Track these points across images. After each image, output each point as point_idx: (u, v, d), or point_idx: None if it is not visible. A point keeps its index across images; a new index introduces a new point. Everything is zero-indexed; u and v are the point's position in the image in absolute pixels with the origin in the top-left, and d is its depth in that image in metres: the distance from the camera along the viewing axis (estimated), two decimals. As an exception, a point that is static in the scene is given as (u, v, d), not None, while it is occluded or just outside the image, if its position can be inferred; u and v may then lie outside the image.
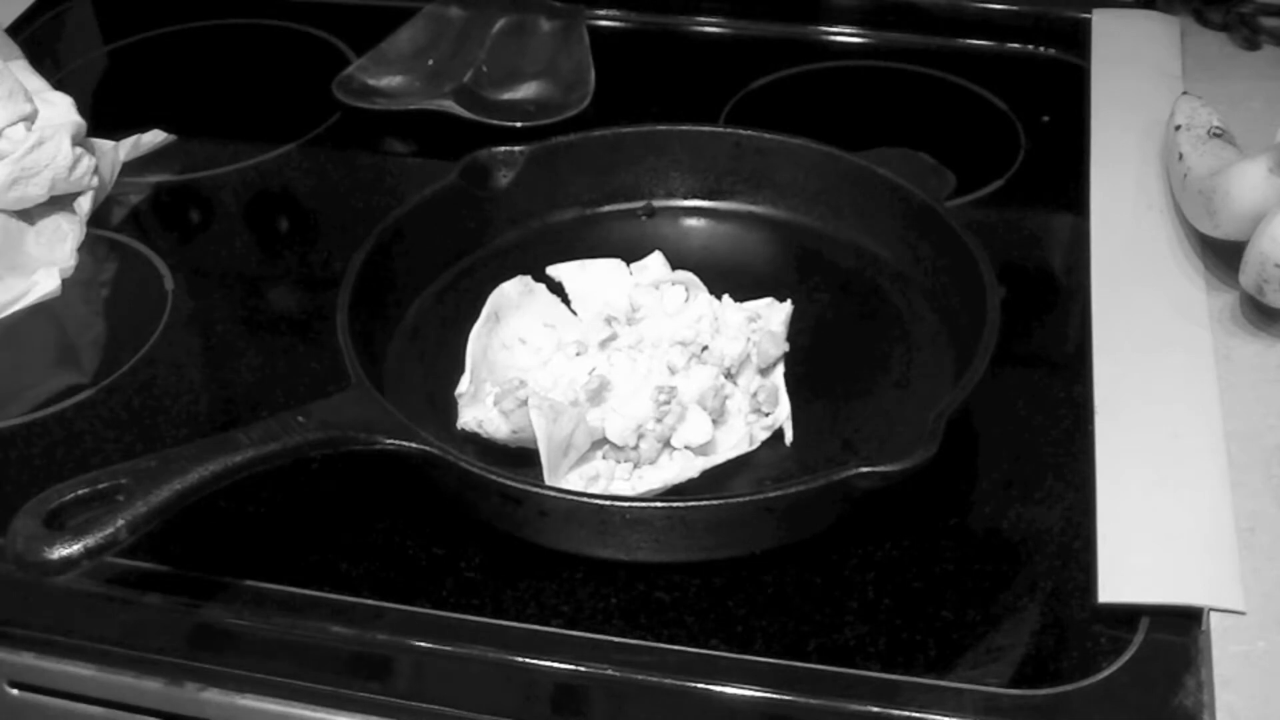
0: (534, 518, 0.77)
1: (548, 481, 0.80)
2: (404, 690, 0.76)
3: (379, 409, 0.79)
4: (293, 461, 0.76)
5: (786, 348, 0.88)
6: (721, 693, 0.72)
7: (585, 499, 0.77)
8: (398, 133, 1.17)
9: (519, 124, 1.14)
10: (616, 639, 0.74)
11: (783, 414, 0.86)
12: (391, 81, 1.20)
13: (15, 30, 1.26)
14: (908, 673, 0.72)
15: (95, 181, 1.05)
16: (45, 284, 1.00)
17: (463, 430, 0.84)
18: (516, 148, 0.99)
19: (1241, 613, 0.72)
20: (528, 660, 0.74)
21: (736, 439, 0.84)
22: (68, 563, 0.68)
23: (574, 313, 0.92)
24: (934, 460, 0.74)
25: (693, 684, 0.72)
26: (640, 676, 0.73)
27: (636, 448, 0.82)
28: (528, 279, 0.93)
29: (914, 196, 0.94)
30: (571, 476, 0.81)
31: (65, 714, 0.81)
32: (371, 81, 1.20)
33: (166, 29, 1.32)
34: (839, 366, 0.90)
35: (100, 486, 0.72)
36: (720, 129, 1.04)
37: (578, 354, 0.87)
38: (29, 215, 1.02)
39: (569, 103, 1.17)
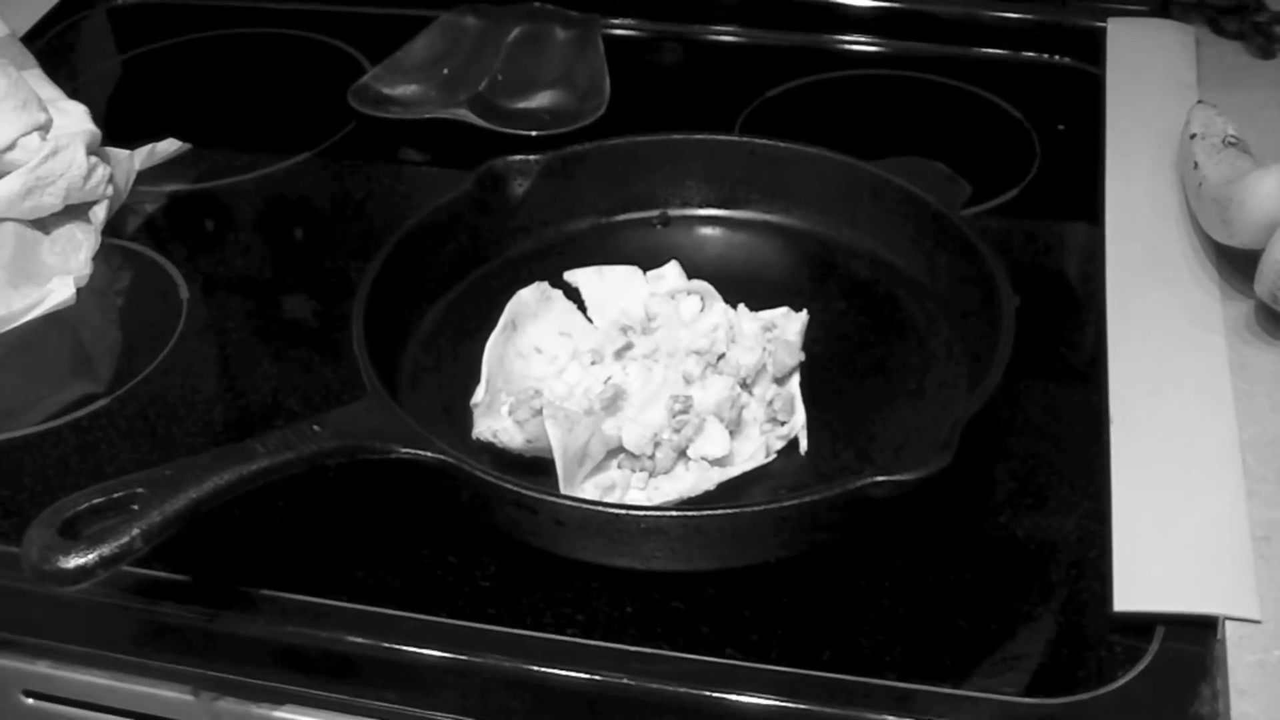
0: (550, 527, 0.77)
1: (563, 491, 0.80)
2: (420, 700, 0.76)
3: (394, 418, 0.79)
4: (308, 470, 0.76)
5: (802, 357, 0.88)
6: (737, 701, 0.72)
7: (601, 508, 0.77)
8: (413, 141, 1.17)
9: (534, 133, 1.14)
10: (632, 648, 0.74)
11: (798, 423, 0.85)
12: (407, 90, 1.21)
13: (30, 39, 1.26)
14: (923, 681, 0.72)
15: (110, 190, 1.06)
16: (60, 293, 1.00)
17: (478, 440, 0.84)
18: (532, 157, 0.99)
19: (1257, 621, 0.72)
20: (543, 669, 0.74)
21: (753, 449, 0.84)
22: (82, 572, 0.68)
23: (590, 321, 0.92)
24: (949, 469, 0.74)
25: (708, 693, 0.72)
26: (656, 685, 0.73)
27: (653, 457, 0.82)
28: (545, 285, 0.92)
29: (929, 205, 0.94)
30: (587, 486, 0.81)
31: (80, 723, 0.82)
32: (387, 90, 1.20)
33: (181, 38, 1.32)
34: (854, 376, 0.90)
35: (115, 496, 0.72)
36: (736, 138, 1.04)
37: (593, 363, 0.87)
38: (44, 224, 1.03)
39: (584, 111, 1.17)
